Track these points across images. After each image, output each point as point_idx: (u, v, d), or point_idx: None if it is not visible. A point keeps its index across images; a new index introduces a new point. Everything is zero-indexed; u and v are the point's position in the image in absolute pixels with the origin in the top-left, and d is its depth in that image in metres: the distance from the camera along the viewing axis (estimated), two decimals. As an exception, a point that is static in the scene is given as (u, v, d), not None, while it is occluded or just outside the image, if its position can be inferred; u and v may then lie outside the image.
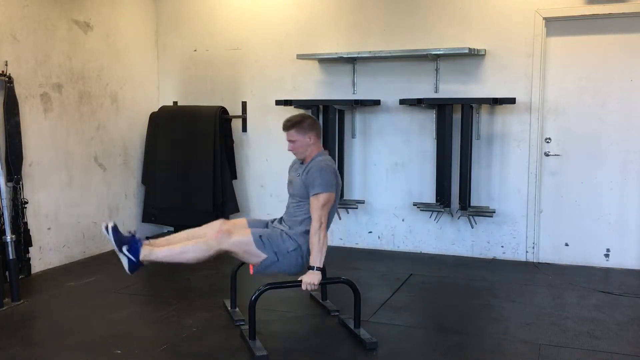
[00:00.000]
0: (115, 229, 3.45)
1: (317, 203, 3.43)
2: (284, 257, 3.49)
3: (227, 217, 6.03)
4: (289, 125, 3.62)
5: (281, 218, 3.76)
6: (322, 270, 3.51)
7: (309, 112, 5.62)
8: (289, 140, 3.63)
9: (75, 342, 3.50)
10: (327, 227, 3.50)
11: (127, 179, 5.98)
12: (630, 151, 4.99)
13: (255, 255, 3.47)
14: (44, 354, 3.36)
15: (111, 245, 3.46)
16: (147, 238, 6.09)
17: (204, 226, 3.61)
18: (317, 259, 3.39)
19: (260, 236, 3.48)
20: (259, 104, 6.00)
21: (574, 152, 5.14)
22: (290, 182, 3.74)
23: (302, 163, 3.67)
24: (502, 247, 5.35)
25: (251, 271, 3.55)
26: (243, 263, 4.01)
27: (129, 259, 3.42)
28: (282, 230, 3.60)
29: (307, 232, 3.50)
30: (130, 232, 3.53)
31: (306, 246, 3.51)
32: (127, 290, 4.50)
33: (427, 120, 5.46)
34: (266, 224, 3.76)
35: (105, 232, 3.44)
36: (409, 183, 5.58)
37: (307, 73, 5.79)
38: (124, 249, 3.43)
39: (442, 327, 3.80)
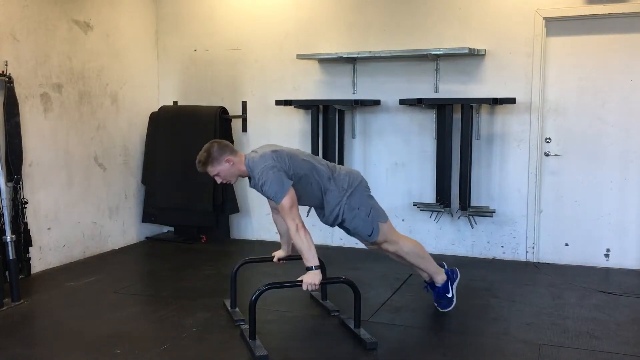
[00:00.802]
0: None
1: (284, 210, 3.37)
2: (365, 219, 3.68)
3: (227, 217, 6.04)
4: (201, 166, 3.49)
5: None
6: (322, 270, 3.51)
7: (308, 112, 5.64)
8: (214, 176, 3.55)
9: (75, 342, 3.50)
10: (304, 226, 3.39)
11: (127, 179, 5.98)
12: (630, 151, 4.99)
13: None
14: (44, 354, 3.36)
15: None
16: (147, 238, 6.17)
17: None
18: (309, 258, 3.36)
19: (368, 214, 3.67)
20: (259, 104, 6.00)
21: (574, 152, 5.14)
22: None
23: (243, 178, 3.61)
24: (502, 247, 5.35)
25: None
26: (243, 263, 4.04)
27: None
28: (339, 206, 3.63)
29: (335, 189, 3.59)
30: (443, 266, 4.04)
31: (341, 197, 3.61)
32: (127, 290, 4.50)
33: (427, 120, 5.46)
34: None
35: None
36: (409, 183, 5.59)
37: (307, 73, 5.79)
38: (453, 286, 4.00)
39: (442, 327, 3.80)
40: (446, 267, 4.04)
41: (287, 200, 3.36)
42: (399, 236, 3.87)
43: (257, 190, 3.52)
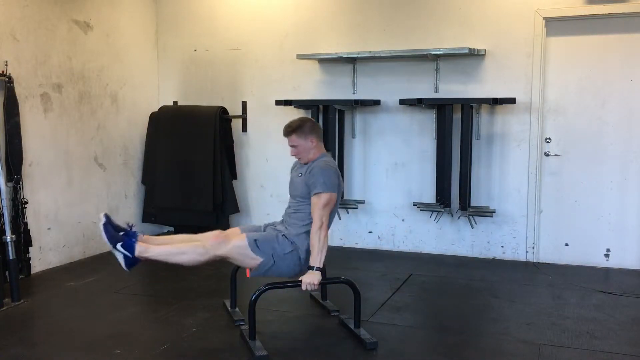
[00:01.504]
0: (106, 225, 3.41)
1: (319, 202, 3.43)
2: (280, 259, 3.48)
3: (227, 217, 6.04)
4: (290, 130, 3.60)
5: (281, 220, 3.76)
6: (322, 270, 3.51)
7: (309, 113, 5.64)
8: (291, 146, 3.62)
9: (75, 342, 3.50)
10: (328, 227, 3.49)
11: (127, 179, 5.98)
12: (630, 151, 4.99)
13: (251, 259, 3.46)
14: (44, 354, 3.36)
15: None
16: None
17: (200, 234, 3.59)
18: (317, 259, 3.38)
19: (256, 240, 3.47)
20: (259, 104, 6.00)
21: (574, 152, 5.14)
22: (291, 182, 3.74)
23: (305, 163, 3.67)
24: (502, 247, 5.35)
25: (247, 275, 3.54)
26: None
27: (124, 255, 3.40)
28: (279, 232, 3.59)
29: (307, 232, 3.50)
30: (128, 225, 3.50)
31: (305, 247, 3.50)
32: (127, 290, 4.50)
33: (427, 120, 5.46)
34: (263, 228, 3.75)
35: (100, 228, 3.41)
36: (409, 183, 5.59)
37: (307, 73, 5.79)
38: (118, 245, 3.40)
39: (442, 327, 3.80)
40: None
41: (327, 197, 3.44)
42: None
43: (304, 177, 3.53)
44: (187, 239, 3.60)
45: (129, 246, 3.41)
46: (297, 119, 3.69)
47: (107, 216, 3.46)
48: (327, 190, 3.44)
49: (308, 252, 3.48)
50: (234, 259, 3.49)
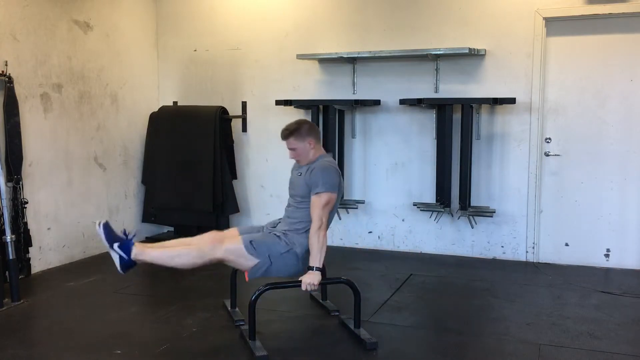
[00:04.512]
0: (106, 226, 3.42)
1: (319, 202, 3.42)
2: (277, 259, 3.47)
3: (227, 217, 6.04)
4: (287, 133, 3.59)
5: (279, 220, 3.75)
6: (322, 270, 3.51)
7: (309, 112, 5.64)
8: (290, 149, 3.61)
9: (75, 342, 3.50)
10: (327, 227, 3.49)
11: (127, 179, 5.98)
12: (630, 151, 4.99)
13: (247, 260, 3.45)
14: (44, 354, 3.36)
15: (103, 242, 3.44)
16: (147, 238, 6.15)
17: (196, 237, 3.58)
18: (316, 259, 3.38)
19: (251, 241, 3.46)
20: (259, 104, 6.00)
21: (574, 152, 5.14)
22: (291, 182, 3.73)
23: (305, 165, 3.66)
24: (502, 247, 5.35)
25: (246, 278, 3.54)
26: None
27: (120, 256, 3.40)
28: (276, 233, 3.59)
29: (306, 232, 3.49)
30: (124, 232, 3.51)
31: (303, 247, 3.50)
32: (127, 290, 4.50)
33: (427, 120, 5.46)
34: (260, 229, 3.74)
35: (97, 228, 3.43)
36: (409, 183, 5.59)
37: (307, 73, 5.79)
38: (115, 245, 3.40)
39: (442, 327, 3.80)
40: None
41: (327, 196, 3.43)
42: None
43: (304, 177, 3.52)
44: (184, 243, 3.58)
45: (126, 248, 3.41)
46: (293, 122, 3.67)
47: (107, 222, 3.47)
48: (328, 190, 3.44)
49: (307, 251, 3.48)
50: (230, 261, 3.48)
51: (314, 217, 3.43)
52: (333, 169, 3.55)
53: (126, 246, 3.41)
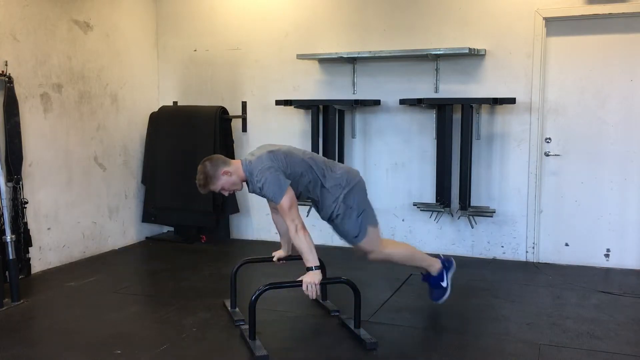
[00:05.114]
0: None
1: (283, 210, 3.38)
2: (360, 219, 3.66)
3: (227, 217, 6.04)
4: (202, 188, 3.50)
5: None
6: (322, 270, 3.51)
7: (308, 112, 5.64)
8: (220, 192, 3.55)
9: (75, 342, 3.50)
10: (303, 226, 3.39)
11: (127, 179, 5.98)
12: (630, 151, 4.99)
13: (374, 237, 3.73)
14: (44, 354, 3.36)
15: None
16: (147, 238, 6.16)
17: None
18: (310, 258, 3.36)
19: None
20: (259, 104, 6.00)
21: (574, 152, 5.14)
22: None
23: (248, 185, 3.57)
24: (502, 247, 5.35)
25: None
26: (243, 263, 4.03)
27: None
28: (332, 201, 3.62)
29: (335, 186, 3.59)
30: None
31: (340, 192, 3.61)
32: (127, 290, 4.50)
33: (427, 120, 5.46)
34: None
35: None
36: (409, 183, 5.59)
37: (307, 73, 5.79)
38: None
39: (442, 327, 3.80)
40: (442, 257, 4.05)
41: (286, 200, 3.36)
42: (386, 245, 3.83)
43: (257, 193, 3.50)
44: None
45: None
46: (198, 174, 3.48)
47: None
48: (281, 195, 3.35)
49: (345, 196, 3.60)
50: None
51: (287, 223, 3.40)
52: (266, 171, 3.39)
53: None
